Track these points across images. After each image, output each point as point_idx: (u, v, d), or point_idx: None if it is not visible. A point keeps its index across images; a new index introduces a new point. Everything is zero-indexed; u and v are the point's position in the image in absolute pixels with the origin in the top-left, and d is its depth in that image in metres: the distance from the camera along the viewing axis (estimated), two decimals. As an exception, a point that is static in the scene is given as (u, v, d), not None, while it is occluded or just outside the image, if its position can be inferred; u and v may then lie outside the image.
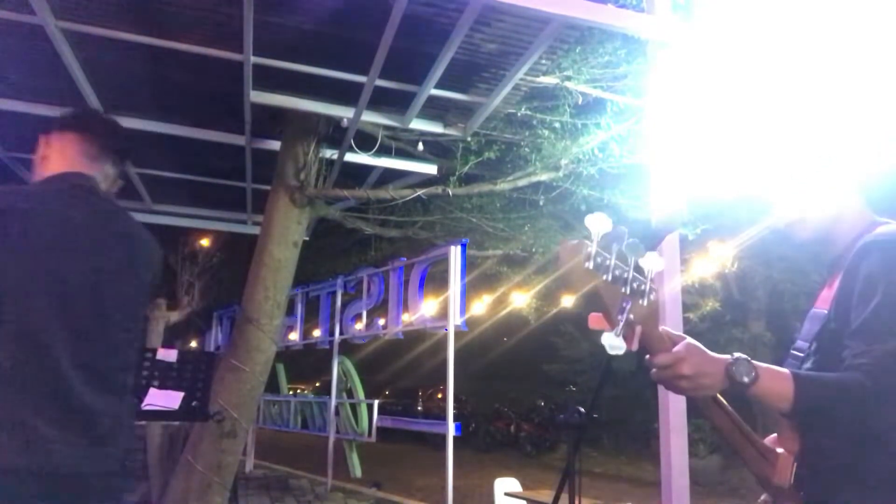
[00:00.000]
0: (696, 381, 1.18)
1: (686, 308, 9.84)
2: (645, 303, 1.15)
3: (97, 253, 1.63)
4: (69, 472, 1.47)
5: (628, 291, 1.13)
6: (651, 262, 1.14)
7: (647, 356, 1.20)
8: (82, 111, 1.92)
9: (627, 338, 1.14)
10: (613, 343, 1.11)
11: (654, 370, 1.20)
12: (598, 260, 1.11)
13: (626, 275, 1.13)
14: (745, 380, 1.17)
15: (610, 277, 1.12)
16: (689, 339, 1.22)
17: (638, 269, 1.14)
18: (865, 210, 1.40)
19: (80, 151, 1.74)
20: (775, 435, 1.36)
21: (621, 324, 1.12)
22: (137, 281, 1.72)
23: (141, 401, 3.32)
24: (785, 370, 1.21)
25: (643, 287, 1.15)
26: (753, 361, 1.19)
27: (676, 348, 1.19)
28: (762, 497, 1.42)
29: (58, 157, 1.73)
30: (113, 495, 1.57)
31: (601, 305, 1.13)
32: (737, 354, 1.20)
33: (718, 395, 1.25)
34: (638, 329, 1.15)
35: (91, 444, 1.51)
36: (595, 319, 1.17)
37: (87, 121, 1.84)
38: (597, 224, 1.10)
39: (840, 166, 1.41)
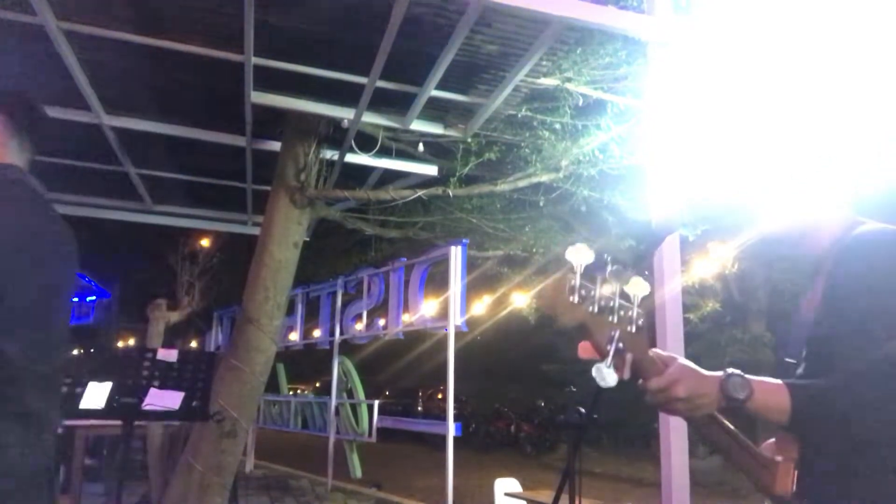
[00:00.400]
0: (692, 403, 1.17)
1: (686, 309, 9.83)
2: (633, 329, 1.14)
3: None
4: None
5: (615, 320, 1.13)
6: (637, 288, 1.14)
7: (640, 381, 1.19)
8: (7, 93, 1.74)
9: (618, 367, 1.13)
10: (604, 375, 1.11)
11: (648, 395, 1.19)
12: (583, 292, 1.11)
13: (612, 303, 1.13)
14: (741, 395, 1.16)
15: (596, 308, 1.12)
16: (681, 360, 1.20)
17: (624, 296, 1.14)
18: (845, 211, 1.39)
19: (9, 145, 1.66)
20: (773, 440, 1.35)
21: (611, 354, 1.11)
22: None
23: (141, 401, 3.32)
24: (779, 382, 1.20)
25: (630, 313, 1.14)
26: (747, 376, 1.18)
27: (669, 371, 1.17)
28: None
29: None
30: None
31: (589, 336, 1.13)
32: (729, 370, 1.19)
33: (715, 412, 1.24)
34: (629, 357, 1.14)
35: None
36: (585, 349, 1.17)
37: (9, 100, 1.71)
38: (578, 256, 1.10)
39: (839, 167, 1.41)
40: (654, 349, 1.20)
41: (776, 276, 11.34)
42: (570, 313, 1.11)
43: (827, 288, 1.30)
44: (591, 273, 1.12)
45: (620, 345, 1.13)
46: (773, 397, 1.18)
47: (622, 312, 1.13)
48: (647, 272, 1.23)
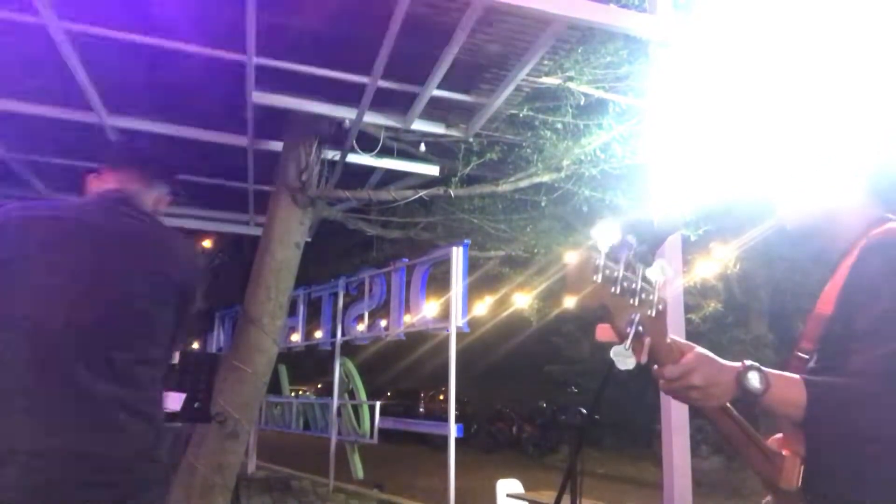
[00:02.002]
0: (707, 392, 1.16)
1: (688, 309, 9.83)
2: (653, 313, 1.12)
3: (109, 255, 1.74)
4: (82, 452, 1.54)
5: (636, 303, 1.11)
6: (660, 272, 1.12)
7: (655, 367, 1.17)
8: (119, 147, 2.16)
9: (636, 350, 1.12)
10: (623, 357, 1.10)
11: (662, 381, 1.18)
12: (607, 272, 1.09)
13: (634, 286, 1.11)
14: (758, 389, 1.15)
15: (618, 290, 1.10)
16: (699, 349, 1.19)
17: (646, 279, 1.12)
18: (870, 206, 1.37)
19: (119, 178, 1.93)
20: (780, 435, 1.35)
21: (630, 336, 1.10)
22: (156, 281, 1.79)
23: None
24: (796, 376, 1.19)
25: (651, 297, 1.12)
26: (765, 369, 1.17)
27: (686, 359, 1.16)
28: (766, 499, 1.40)
29: (99, 183, 1.94)
30: (132, 478, 1.61)
31: (609, 318, 1.11)
32: (748, 362, 1.18)
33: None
34: (647, 341, 1.13)
35: (95, 428, 1.57)
36: (603, 330, 1.16)
37: (121, 153, 2.04)
38: (604, 234, 1.09)
39: (842, 163, 1.40)
40: (672, 336, 1.19)
41: (778, 276, 11.33)
42: (593, 293, 1.09)
43: (847, 284, 1.29)
44: (616, 254, 1.10)
45: (640, 328, 1.11)
46: (789, 392, 1.17)
47: (643, 296, 1.11)
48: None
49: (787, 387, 1.18)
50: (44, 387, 1.55)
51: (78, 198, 1.94)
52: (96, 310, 1.66)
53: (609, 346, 1.13)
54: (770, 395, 1.16)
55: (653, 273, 1.12)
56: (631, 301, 1.11)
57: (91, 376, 1.59)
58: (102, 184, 1.92)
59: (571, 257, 1.12)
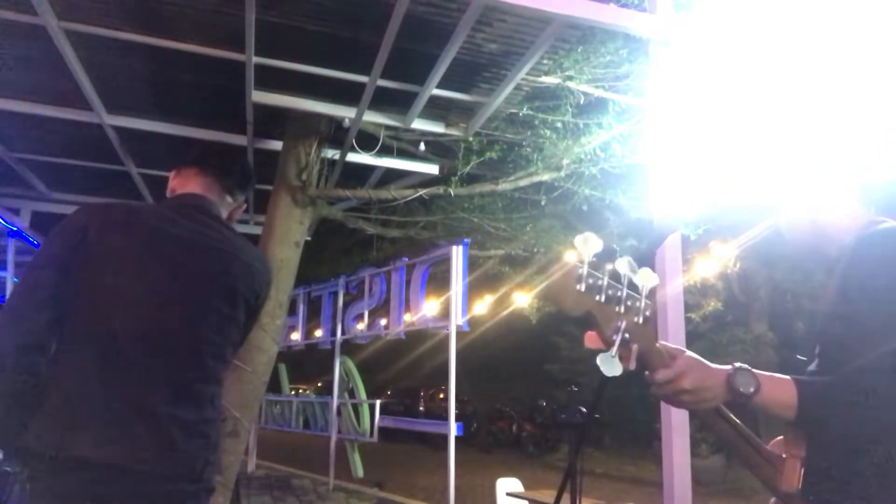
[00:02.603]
0: (698, 395, 1.17)
1: (688, 308, 9.84)
2: (640, 320, 1.14)
3: (186, 265, 1.69)
4: (139, 470, 1.51)
5: (622, 310, 1.12)
6: (645, 279, 1.13)
7: (647, 373, 1.18)
8: (205, 149, 2.06)
9: (624, 357, 1.13)
10: (609, 364, 1.10)
11: (654, 387, 1.19)
12: (591, 281, 1.10)
13: (619, 293, 1.12)
14: (747, 390, 1.16)
15: (603, 298, 1.11)
16: (689, 353, 1.20)
17: (632, 287, 1.13)
18: (861, 211, 1.38)
19: (200, 182, 1.87)
20: (781, 437, 1.35)
21: (616, 344, 1.11)
22: (229, 296, 1.74)
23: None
24: (787, 377, 1.20)
25: (638, 304, 1.13)
26: (755, 371, 1.18)
27: (676, 363, 1.17)
28: (771, 501, 1.41)
29: (180, 186, 1.88)
30: (180, 499, 1.58)
31: (595, 326, 1.13)
32: (737, 364, 1.19)
33: (721, 406, 1.24)
34: (634, 347, 1.14)
35: (159, 446, 1.54)
36: (592, 338, 1.16)
37: (207, 157, 1.97)
38: (586, 244, 1.10)
39: (839, 166, 1.40)
40: (661, 341, 1.20)
41: (778, 275, 11.33)
42: (577, 302, 1.10)
43: (840, 286, 1.29)
44: (600, 262, 1.11)
45: (626, 335, 1.12)
46: (780, 392, 1.18)
47: (629, 303, 1.13)
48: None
49: (777, 387, 1.18)
50: (107, 400, 1.52)
51: (155, 203, 1.91)
52: (167, 322, 1.62)
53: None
54: (761, 396, 1.17)
55: (639, 279, 1.13)
56: (617, 308, 1.12)
57: (154, 392, 1.56)
58: (184, 186, 1.86)
59: (556, 270, 1.12)
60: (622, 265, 1.12)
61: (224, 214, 1.90)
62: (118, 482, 1.49)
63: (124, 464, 1.50)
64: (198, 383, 1.65)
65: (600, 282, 1.11)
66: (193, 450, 1.60)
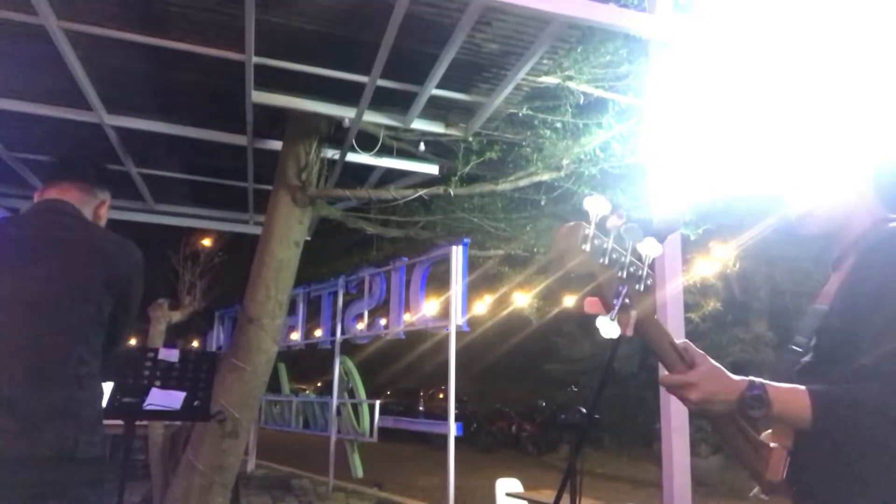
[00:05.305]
0: (702, 407, 1.18)
1: (688, 308, 9.81)
2: (641, 288, 1.14)
3: (38, 260, 1.87)
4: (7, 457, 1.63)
5: (625, 275, 1.12)
6: (649, 248, 1.13)
7: (661, 376, 1.20)
8: (54, 164, 2.27)
9: (622, 322, 1.13)
10: (608, 327, 1.11)
11: (662, 384, 1.21)
12: (596, 242, 1.10)
13: (623, 259, 1.12)
14: (756, 415, 1.16)
15: (607, 260, 1.11)
16: (709, 364, 1.19)
17: (636, 254, 1.13)
18: (876, 206, 1.37)
19: (56, 190, 2.07)
20: (770, 431, 1.35)
21: (616, 308, 1.11)
22: (78, 276, 1.90)
23: (143, 400, 3.32)
24: (801, 388, 1.19)
25: (640, 272, 1.14)
26: (768, 389, 1.16)
27: (690, 375, 1.17)
28: (753, 491, 1.41)
29: (39, 197, 2.09)
30: (52, 482, 1.68)
31: (597, 289, 1.13)
32: (751, 381, 1.17)
33: None
34: (633, 314, 1.14)
35: (21, 430, 1.65)
36: (591, 303, 1.16)
37: (57, 169, 2.18)
38: (595, 206, 1.09)
39: (846, 162, 1.40)
40: (686, 341, 1.20)
41: (778, 275, 11.33)
42: (581, 261, 1.10)
43: (846, 282, 1.29)
44: (606, 226, 1.11)
45: (627, 300, 1.12)
46: (792, 407, 1.18)
47: (632, 269, 1.13)
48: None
49: (789, 402, 1.18)
50: None
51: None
52: (27, 313, 1.78)
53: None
54: (771, 415, 1.17)
55: (643, 248, 1.13)
56: (619, 273, 1.12)
57: (17, 379, 1.69)
58: (42, 195, 2.07)
59: (561, 227, 1.13)
60: (629, 232, 1.12)
61: (89, 213, 2.10)
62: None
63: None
64: (57, 365, 1.77)
65: (605, 244, 1.11)
66: (60, 430, 1.71)
